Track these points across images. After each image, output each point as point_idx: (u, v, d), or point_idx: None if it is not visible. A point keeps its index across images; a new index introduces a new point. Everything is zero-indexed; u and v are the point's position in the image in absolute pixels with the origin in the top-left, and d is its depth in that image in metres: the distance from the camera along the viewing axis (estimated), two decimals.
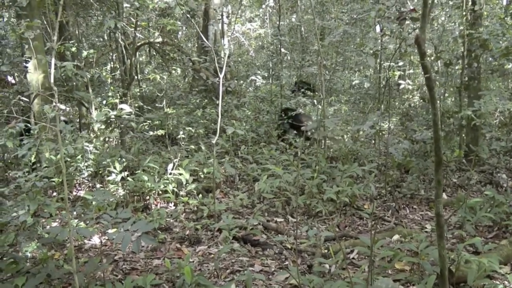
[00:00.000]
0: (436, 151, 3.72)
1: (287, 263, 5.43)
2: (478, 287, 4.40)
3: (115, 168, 7.49)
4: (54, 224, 6.09)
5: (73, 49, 9.28)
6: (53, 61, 3.77)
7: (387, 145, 7.09)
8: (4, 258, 4.94)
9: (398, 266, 4.97)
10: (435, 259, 4.37)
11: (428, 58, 9.57)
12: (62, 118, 9.82)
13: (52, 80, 3.79)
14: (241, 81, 15.33)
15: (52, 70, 3.80)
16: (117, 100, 9.29)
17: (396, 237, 5.92)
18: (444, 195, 7.66)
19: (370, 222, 3.52)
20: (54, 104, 3.45)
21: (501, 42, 7.97)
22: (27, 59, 8.21)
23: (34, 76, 8.08)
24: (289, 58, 17.82)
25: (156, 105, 11.41)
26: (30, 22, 7.00)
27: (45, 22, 9.89)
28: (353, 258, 5.48)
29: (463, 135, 9.08)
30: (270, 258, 5.57)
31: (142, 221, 4.14)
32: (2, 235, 5.63)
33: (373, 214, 6.43)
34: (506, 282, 4.48)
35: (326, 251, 5.41)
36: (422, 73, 3.52)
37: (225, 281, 4.87)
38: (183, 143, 9.87)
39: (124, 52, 10.84)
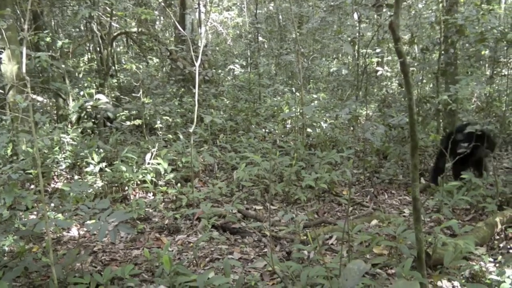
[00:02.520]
0: (412, 135, 3.74)
1: (266, 250, 5.45)
2: (455, 268, 4.45)
3: (93, 159, 7.44)
4: (31, 217, 6.03)
5: (48, 39, 9.16)
6: (24, 50, 3.71)
7: (364, 130, 7.12)
8: None
9: (377, 251, 5.00)
10: (412, 243, 4.41)
11: (404, 44, 9.63)
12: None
13: (24, 70, 3.73)
14: (219, 70, 15.27)
15: (24, 59, 3.74)
16: (93, 91, 9.20)
17: (374, 222, 5.96)
18: (422, 180, 7.72)
19: (348, 208, 3.55)
20: (26, 93, 3.40)
21: (476, 27, 8.01)
22: (0, 50, 8.09)
23: (8, 67, 7.95)
24: (267, 46, 17.80)
25: (134, 95, 11.32)
26: (2, 11, 6.88)
27: (18, 12, 9.75)
28: (331, 244, 5.51)
29: (440, 120, 9.14)
30: (249, 246, 5.58)
31: (120, 210, 4.12)
32: None
33: (351, 199, 6.44)
34: (482, 263, 4.54)
35: (305, 237, 5.43)
36: (399, 61, 3.53)
37: (204, 269, 4.87)
38: (160, 132, 9.83)
39: (101, 42, 10.75)
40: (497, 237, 5.48)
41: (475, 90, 7.50)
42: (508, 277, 4.02)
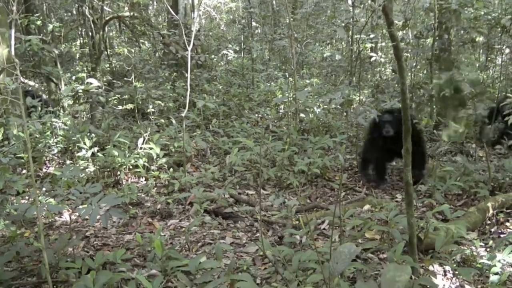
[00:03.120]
0: (405, 120, 3.74)
1: (258, 235, 5.45)
2: (446, 253, 4.47)
3: (85, 144, 7.40)
4: (22, 202, 6.00)
5: (38, 22, 9.07)
6: (13, 32, 3.67)
7: (356, 114, 7.11)
8: None
9: (369, 235, 5.01)
10: (404, 227, 4.42)
11: (398, 30, 9.59)
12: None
13: (13, 52, 3.69)
14: (212, 55, 15.20)
15: (13, 42, 3.71)
16: (85, 75, 9.13)
17: (366, 207, 5.97)
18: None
19: (340, 193, 3.53)
20: (15, 76, 3.36)
21: (471, 13, 7.99)
22: None
23: None
24: (260, 31, 17.72)
25: (126, 79, 11.26)
26: None
27: None
28: (324, 229, 5.51)
29: (433, 106, 9.13)
30: (241, 231, 5.58)
31: (111, 195, 4.10)
32: None
33: (343, 185, 6.46)
34: (473, 248, 4.56)
35: (297, 222, 5.43)
36: (392, 45, 3.51)
37: (196, 254, 4.86)
38: (153, 117, 9.79)
39: (93, 26, 10.66)
40: (489, 222, 5.50)
41: (469, 75, 7.48)
42: (499, 261, 4.04)
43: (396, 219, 4.65)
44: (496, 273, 3.95)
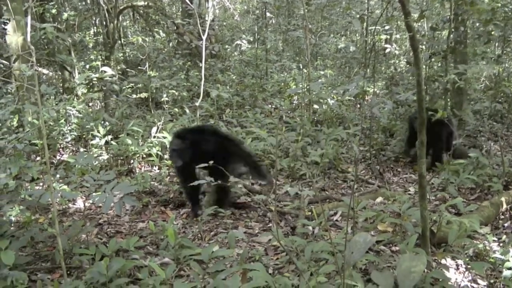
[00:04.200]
0: (420, 111, 3.72)
1: (270, 225, 5.46)
2: (459, 247, 4.45)
3: (98, 132, 7.44)
4: (37, 188, 6.04)
5: (53, 11, 9.09)
6: (29, 19, 3.68)
7: (371, 105, 7.07)
8: None
9: (381, 228, 5.00)
10: (417, 220, 4.41)
11: (414, 21, 9.51)
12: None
13: (28, 39, 3.71)
14: (226, 46, 15.19)
15: (29, 29, 3.71)
16: (99, 63, 9.16)
17: (379, 199, 5.95)
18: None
19: (353, 184, 3.53)
20: (31, 63, 3.38)
21: (488, 5, 7.90)
22: (5, 21, 8.03)
23: (14, 38, 7.90)
24: (274, 22, 17.66)
25: (140, 68, 11.28)
26: None
27: None
28: (336, 220, 5.51)
29: (448, 99, 9.07)
30: (253, 220, 5.59)
31: (125, 182, 4.12)
32: None
33: (357, 176, 6.43)
34: (486, 242, 4.53)
35: (309, 213, 5.43)
36: (409, 37, 3.49)
37: (209, 243, 4.89)
38: (167, 106, 9.80)
39: (107, 15, 10.67)
40: (502, 216, 5.47)
41: (484, 69, 7.41)
42: None
43: (409, 212, 4.63)
44: (509, 268, 3.91)
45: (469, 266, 4.14)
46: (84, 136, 7.92)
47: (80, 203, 6.10)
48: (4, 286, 3.77)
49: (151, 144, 7.26)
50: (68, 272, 4.18)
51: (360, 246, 2.17)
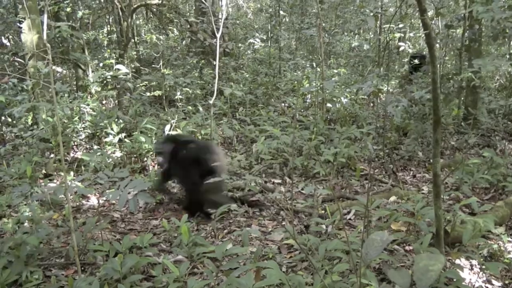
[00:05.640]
0: (435, 110, 3.69)
1: (284, 223, 5.45)
2: (473, 247, 4.42)
3: (112, 129, 7.47)
4: (50, 185, 6.09)
5: (68, 9, 9.14)
6: (45, 17, 3.72)
7: (386, 103, 7.04)
8: (4, 219, 4.97)
9: (394, 227, 4.98)
10: (431, 220, 4.38)
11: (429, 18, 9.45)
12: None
13: (44, 37, 3.73)
14: (239, 44, 15.20)
15: (45, 27, 3.75)
16: (113, 61, 9.20)
17: (393, 198, 5.92)
18: (441, 160, 7.65)
19: (367, 182, 3.52)
20: (47, 60, 3.40)
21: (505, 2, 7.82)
22: (21, 20, 8.09)
23: (29, 37, 7.95)
24: (287, 20, 17.63)
25: (153, 66, 11.32)
26: None
27: None
28: (349, 219, 5.50)
29: (462, 97, 9.02)
30: (267, 219, 5.59)
31: (139, 179, 4.14)
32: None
33: (370, 175, 6.42)
34: (500, 242, 4.50)
35: (323, 211, 5.42)
36: (423, 36, 3.47)
37: (222, 241, 4.89)
38: (180, 104, 9.83)
39: (120, 14, 10.71)
40: None
41: (499, 67, 7.33)
42: None
43: (423, 211, 4.61)
44: None
45: (483, 267, 4.11)
46: (97, 133, 7.96)
47: (93, 200, 6.13)
48: (19, 281, 3.81)
49: None
50: (82, 268, 4.21)
51: (377, 245, 2.16)
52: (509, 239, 4.72)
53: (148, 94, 9.32)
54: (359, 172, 7.09)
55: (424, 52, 11.73)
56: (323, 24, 12.64)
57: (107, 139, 7.48)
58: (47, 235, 4.41)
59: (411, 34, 16.57)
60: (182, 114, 9.29)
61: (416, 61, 10.03)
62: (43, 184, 6.00)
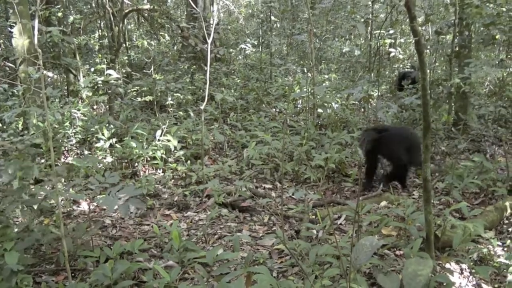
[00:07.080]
0: (425, 116, 3.72)
1: (275, 228, 5.46)
2: (463, 251, 4.45)
3: (103, 134, 7.46)
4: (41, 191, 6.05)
5: (59, 14, 9.13)
6: (36, 22, 3.71)
7: (376, 108, 7.08)
8: None
9: (385, 232, 5.00)
10: (421, 224, 4.41)
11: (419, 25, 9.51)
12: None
13: (35, 42, 3.73)
14: (231, 49, 15.23)
15: (36, 32, 3.74)
16: (104, 66, 9.19)
17: (383, 203, 5.95)
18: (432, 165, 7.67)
19: (359, 188, 3.53)
20: (38, 66, 3.40)
21: (493, 9, 7.89)
22: (12, 24, 8.06)
23: (20, 42, 7.93)
24: (279, 26, 17.69)
25: (145, 71, 11.31)
26: None
27: None
28: (340, 224, 5.51)
29: (452, 103, 9.07)
30: (258, 224, 5.60)
31: (130, 186, 4.13)
32: None
33: (360, 180, 6.45)
34: (490, 247, 4.53)
35: (314, 217, 5.44)
36: (413, 42, 3.50)
37: (213, 246, 4.89)
38: (171, 110, 9.82)
39: (112, 19, 10.71)
40: (506, 221, 5.46)
41: (489, 73, 7.38)
42: None
43: (413, 216, 4.64)
44: None
45: (473, 271, 4.14)
46: (88, 139, 7.94)
47: (84, 206, 6.12)
48: None
49: (156, 147, 7.28)
50: (73, 274, 4.20)
51: (367, 250, 2.18)
52: (499, 243, 4.76)
53: (139, 99, 9.31)
54: (354, 176, 7.12)
55: (413, 70, 11.75)
56: (314, 30, 12.69)
57: (98, 144, 7.46)
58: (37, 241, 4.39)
59: (402, 40, 16.65)
60: (173, 119, 9.28)
61: (405, 81, 9.99)
62: (33, 189, 5.97)
